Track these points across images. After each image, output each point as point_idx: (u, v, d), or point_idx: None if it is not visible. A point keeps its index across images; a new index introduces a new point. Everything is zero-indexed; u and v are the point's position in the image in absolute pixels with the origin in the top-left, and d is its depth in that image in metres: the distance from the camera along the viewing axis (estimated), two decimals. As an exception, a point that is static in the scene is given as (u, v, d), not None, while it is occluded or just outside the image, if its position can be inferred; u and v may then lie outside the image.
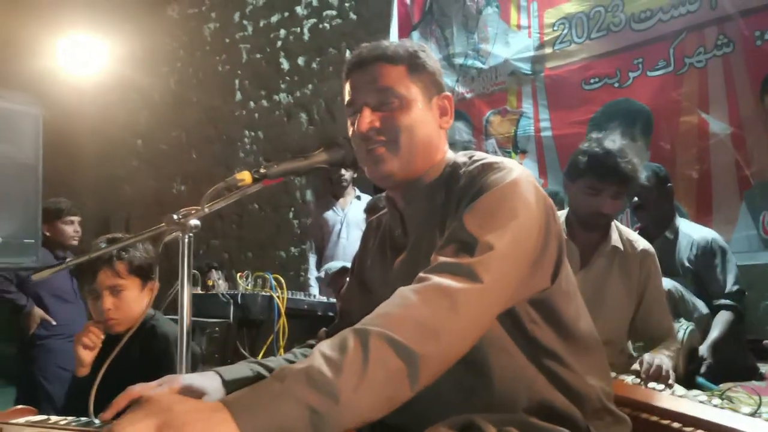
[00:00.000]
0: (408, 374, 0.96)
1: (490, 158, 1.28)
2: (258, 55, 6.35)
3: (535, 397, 1.23)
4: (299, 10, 5.96)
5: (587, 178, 2.24)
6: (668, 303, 2.45)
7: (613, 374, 1.71)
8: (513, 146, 4.30)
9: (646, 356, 2.07)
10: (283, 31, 6.12)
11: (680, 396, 1.78)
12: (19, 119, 3.04)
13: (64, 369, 3.99)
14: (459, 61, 4.60)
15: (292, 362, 1.44)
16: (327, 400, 0.90)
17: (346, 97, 1.37)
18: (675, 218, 3.07)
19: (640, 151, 2.32)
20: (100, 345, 1.93)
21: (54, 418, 1.28)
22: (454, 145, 1.44)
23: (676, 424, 1.52)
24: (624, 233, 2.37)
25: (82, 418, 1.27)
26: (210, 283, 3.82)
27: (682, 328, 2.53)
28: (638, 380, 1.97)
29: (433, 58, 1.40)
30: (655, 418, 1.55)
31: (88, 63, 6.84)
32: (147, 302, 1.99)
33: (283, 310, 3.41)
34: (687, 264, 2.96)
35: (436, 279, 1.07)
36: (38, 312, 4.15)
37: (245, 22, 6.49)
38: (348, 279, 1.65)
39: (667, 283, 2.52)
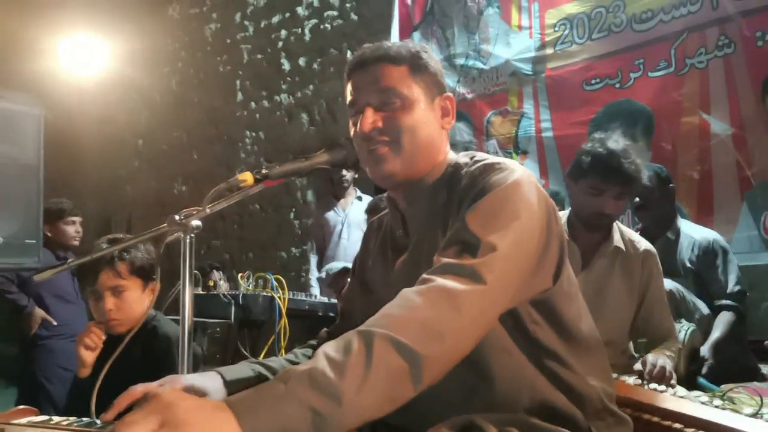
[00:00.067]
0: (411, 375, 0.97)
1: (492, 159, 1.28)
2: (259, 56, 6.36)
3: (536, 397, 1.23)
4: (300, 10, 5.96)
5: (590, 179, 2.24)
6: (669, 304, 2.45)
7: (615, 375, 1.71)
8: (514, 147, 4.30)
9: (649, 357, 2.07)
10: (284, 32, 6.12)
11: (682, 397, 1.78)
12: (20, 120, 3.04)
13: (65, 369, 4.00)
14: (460, 61, 4.60)
15: (293, 362, 1.44)
16: (330, 402, 0.90)
17: (348, 98, 1.37)
18: (676, 219, 3.06)
19: (641, 151, 2.31)
20: (101, 345, 1.93)
21: (56, 419, 1.28)
22: (455, 146, 1.44)
23: (677, 425, 1.53)
24: (626, 234, 2.37)
25: (84, 419, 1.27)
26: (211, 283, 3.82)
27: (684, 328, 2.53)
28: (640, 381, 1.97)
29: (435, 58, 1.40)
30: (656, 419, 1.56)
31: (89, 63, 6.85)
32: (149, 303, 1.99)
33: (284, 311, 3.41)
34: (688, 264, 2.96)
35: (440, 280, 1.07)
36: (39, 312, 4.16)
37: (246, 22, 6.49)
38: (349, 279, 1.65)
39: (669, 283, 2.52)
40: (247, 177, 1.29)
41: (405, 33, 4.91)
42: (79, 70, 6.86)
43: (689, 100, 3.51)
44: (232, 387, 1.28)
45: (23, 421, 1.27)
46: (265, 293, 3.50)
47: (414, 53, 1.35)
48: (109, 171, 7.71)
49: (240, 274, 3.63)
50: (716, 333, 2.79)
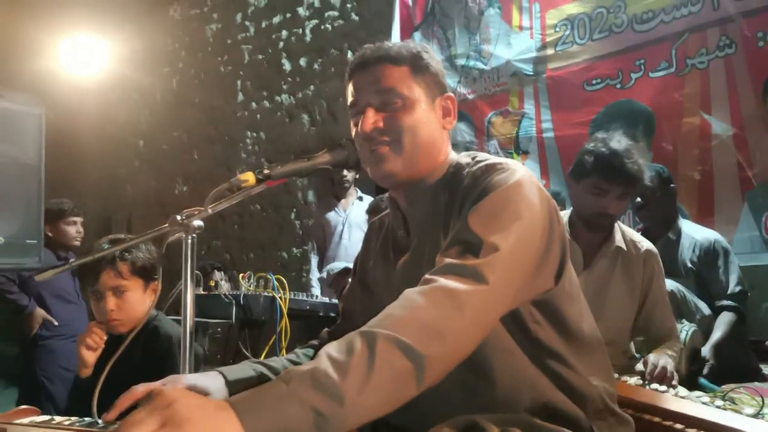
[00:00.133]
0: (414, 375, 0.97)
1: (494, 159, 1.28)
2: (260, 56, 6.36)
3: (538, 397, 1.23)
4: (301, 11, 5.97)
5: (593, 178, 2.23)
6: (670, 304, 2.45)
7: (616, 375, 1.72)
8: (515, 147, 4.30)
9: (651, 357, 2.06)
10: (284, 32, 6.12)
11: (683, 397, 1.79)
12: (21, 119, 3.04)
13: (66, 369, 4.00)
14: (461, 62, 4.60)
15: (294, 362, 1.45)
16: (332, 403, 0.90)
17: (349, 98, 1.37)
18: (677, 219, 3.07)
19: (643, 151, 2.31)
20: (103, 346, 1.93)
21: (58, 419, 1.28)
22: (456, 146, 1.44)
23: (678, 426, 1.52)
24: (627, 234, 2.37)
25: (86, 419, 1.27)
26: (212, 283, 3.82)
27: (685, 329, 2.53)
28: (642, 381, 1.97)
29: (436, 59, 1.40)
30: (657, 419, 1.55)
31: (89, 63, 6.85)
32: (150, 303, 1.99)
33: (285, 311, 3.41)
34: (689, 265, 2.96)
35: (442, 281, 1.07)
36: (40, 312, 4.16)
37: (247, 23, 6.49)
38: (350, 280, 1.65)
39: (670, 284, 2.52)
40: (249, 177, 1.29)
41: (406, 33, 4.90)
42: (79, 70, 6.87)
43: (690, 101, 3.51)
44: (234, 387, 1.28)
45: (25, 421, 1.27)
46: (266, 293, 3.50)
47: (415, 53, 1.35)
48: (110, 171, 7.72)
49: (241, 275, 3.63)
50: (717, 333, 2.79)
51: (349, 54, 5.49)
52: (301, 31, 5.97)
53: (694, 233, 3.01)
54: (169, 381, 1.23)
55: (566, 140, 3.97)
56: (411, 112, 1.32)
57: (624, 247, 2.32)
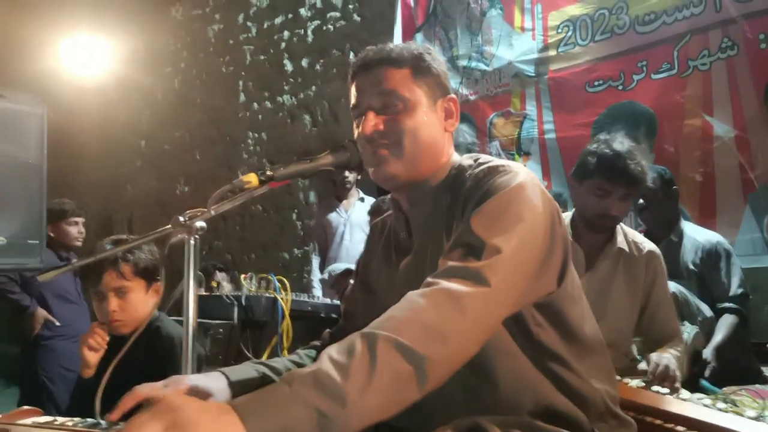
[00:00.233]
0: (415, 377, 0.97)
1: (496, 161, 1.28)
2: (261, 57, 6.36)
3: (539, 400, 1.23)
4: (303, 11, 5.97)
5: (596, 179, 2.23)
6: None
7: (617, 377, 1.72)
8: (516, 148, 4.30)
9: (654, 356, 2.06)
10: (286, 33, 6.13)
11: (684, 399, 1.78)
12: (23, 119, 3.05)
13: (68, 369, 4.00)
14: (463, 63, 4.60)
15: (297, 363, 1.45)
16: (334, 404, 0.90)
17: (352, 100, 1.38)
18: (680, 221, 3.06)
19: (645, 153, 2.31)
20: (105, 346, 1.93)
21: (60, 419, 1.28)
22: (457, 147, 1.44)
23: (680, 428, 1.53)
24: (629, 235, 2.37)
25: (89, 419, 1.28)
26: (214, 284, 3.82)
27: (686, 331, 2.53)
28: (643, 383, 1.97)
29: (438, 60, 1.40)
30: (659, 422, 1.56)
31: (91, 63, 6.86)
32: (153, 304, 2.00)
33: (287, 312, 3.41)
34: (691, 267, 2.95)
35: (444, 283, 1.07)
36: (42, 313, 4.16)
37: (249, 23, 6.50)
38: (352, 281, 1.65)
39: (672, 285, 2.52)
40: (252, 178, 1.29)
41: (408, 34, 4.91)
42: (81, 70, 6.87)
43: (692, 102, 3.51)
44: (237, 388, 1.28)
45: (28, 421, 1.27)
46: (268, 294, 3.50)
47: (416, 55, 1.35)
48: (111, 171, 7.72)
49: (243, 276, 3.63)
50: (719, 335, 2.79)
51: (351, 55, 5.50)
52: (302, 31, 5.97)
53: (696, 235, 3.01)
54: (172, 381, 1.23)
55: (568, 141, 3.97)
56: (412, 114, 1.32)
57: (626, 248, 2.32)
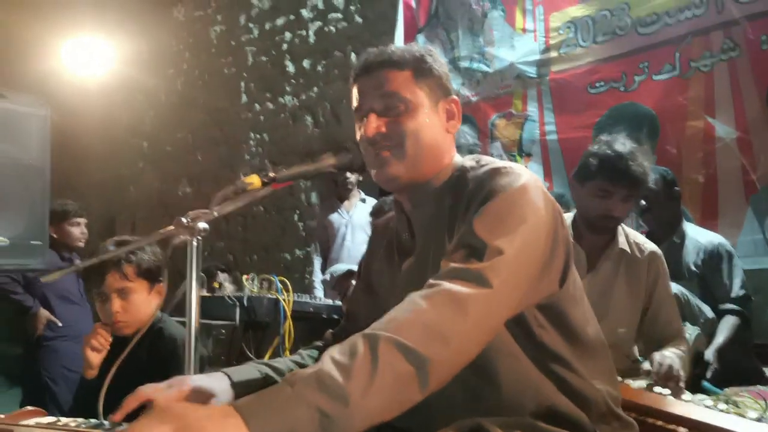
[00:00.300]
0: (417, 378, 0.97)
1: (498, 163, 1.28)
2: (263, 58, 6.37)
3: (542, 401, 1.24)
4: (305, 13, 5.97)
5: (598, 180, 2.23)
6: (674, 307, 2.45)
7: (619, 378, 1.72)
8: (518, 149, 4.30)
9: (657, 356, 2.06)
10: (288, 34, 6.13)
11: (686, 401, 1.78)
12: (26, 121, 3.05)
13: (70, 370, 4.02)
14: (464, 64, 4.61)
15: (299, 363, 1.45)
16: (337, 404, 0.90)
17: (354, 103, 1.38)
18: (682, 222, 3.06)
19: (647, 154, 2.31)
20: (108, 347, 1.94)
21: (64, 420, 1.28)
22: (459, 149, 1.44)
23: (682, 429, 1.53)
24: (631, 236, 2.37)
25: (92, 420, 1.28)
26: (216, 285, 3.83)
27: (688, 332, 2.52)
28: (645, 384, 1.96)
29: (440, 61, 1.40)
30: (661, 423, 1.56)
31: (93, 64, 6.87)
32: (155, 305, 2.00)
33: (289, 313, 3.41)
34: (693, 268, 2.95)
35: (446, 284, 1.07)
36: (44, 313, 4.17)
37: (251, 24, 6.50)
38: (354, 281, 1.65)
39: (673, 287, 2.52)
40: (255, 180, 1.29)
41: (409, 36, 4.91)
42: (83, 72, 6.89)
43: (694, 104, 3.51)
44: (239, 388, 1.29)
45: (31, 422, 1.28)
46: (270, 295, 3.50)
47: (418, 57, 1.36)
48: (114, 172, 7.73)
49: (245, 277, 3.64)
50: (720, 337, 2.79)
51: (353, 56, 5.50)
52: (304, 33, 5.98)
53: (698, 236, 3.01)
54: (175, 382, 1.24)
55: (569, 143, 3.98)
56: (414, 116, 1.32)
57: (628, 249, 2.32)
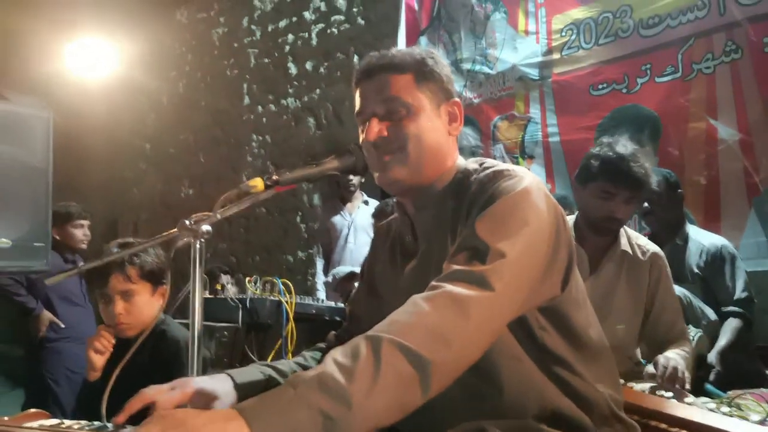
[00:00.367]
0: (419, 381, 0.97)
1: (501, 166, 1.28)
2: (266, 60, 6.37)
3: (544, 404, 1.24)
4: (307, 15, 5.98)
5: (600, 182, 2.23)
6: (677, 309, 2.44)
7: (621, 381, 1.72)
8: (520, 151, 4.30)
9: (661, 359, 2.05)
10: (291, 36, 6.14)
11: (689, 403, 1.78)
12: (29, 123, 3.06)
13: (73, 371, 4.03)
14: (467, 66, 4.61)
15: (302, 365, 1.46)
16: (339, 406, 0.91)
17: (356, 106, 1.38)
18: (685, 224, 3.06)
19: (649, 156, 2.32)
20: (111, 349, 1.94)
21: (67, 422, 1.28)
22: (461, 150, 1.44)
23: (684, 432, 1.53)
24: (633, 238, 2.37)
25: (95, 422, 1.28)
26: (219, 287, 3.83)
27: (691, 335, 2.52)
28: (648, 386, 1.96)
29: (442, 63, 1.40)
30: (664, 426, 1.55)
31: (96, 66, 6.89)
32: (159, 307, 2.00)
33: (291, 315, 3.41)
34: (696, 270, 2.95)
35: (448, 287, 1.07)
36: (47, 315, 4.18)
37: (253, 26, 6.51)
38: (357, 283, 1.66)
39: (676, 289, 2.52)
40: (258, 183, 1.29)
41: (411, 38, 4.91)
42: (86, 73, 6.90)
43: (696, 106, 3.50)
44: (243, 390, 1.29)
45: (35, 424, 1.28)
46: (272, 297, 3.50)
47: (419, 60, 1.36)
48: (116, 173, 7.74)
49: (247, 279, 3.64)
50: (723, 339, 2.79)
51: (355, 58, 5.51)
52: (307, 34, 5.99)
53: (701, 239, 3.01)
54: (178, 384, 1.24)
55: (572, 145, 3.97)
56: (415, 119, 1.33)
57: (630, 251, 2.32)
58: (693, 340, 2.50)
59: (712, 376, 2.63)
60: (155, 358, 1.98)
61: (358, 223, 4.59)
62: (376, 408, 0.94)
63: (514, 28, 4.36)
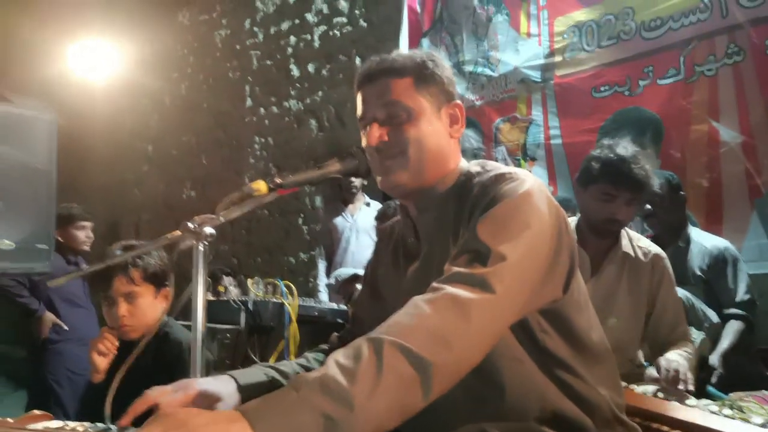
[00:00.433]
0: (421, 383, 0.98)
1: (504, 168, 1.29)
2: (268, 62, 6.38)
3: (546, 406, 1.24)
4: (309, 17, 5.99)
5: (601, 184, 2.24)
6: (679, 312, 2.44)
7: (623, 384, 1.72)
8: (522, 154, 4.30)
9: (662, 362, 2.05)
10: (293, 38, 6.15)
11: (691, 406, 1.78)
12: (33, 125, 3.07)
13: (75, 373, 4.03)
14: (469, 68, 4.61)
15: (305, 367, 1.46)
16: (342, 408, 0.91)
17: (358, 111, 1.39)
18: (687, 227, 3.06)
19: (650, 158, 2.32)
20: (115, 351, 1.95)
21: (72, 424, 1.29)
22: (463, 153, 1.44)
23: (687, 435, 1.52)
24: (634, 239, 2.37)
25: (99, 424, 1.28)
26: (221, 289, 3.84)
27: (693, 337, 2.52)
28: (650, 389, 1.96)
29: (443, 66, 1.40)
30: (665, 428, 1.55)
31: (98, 68, 6.91)
32: (162, 309, 2.01)
33: (294, 318, 3.42)
34: (698, 273, 2.95)
35: (450, 289, 1.08)
36: (50, 316, 4.19)
37: (256, 28, 6.52)
38: (359, 285, 1.66)
39: (678, 292, 2.52)
40: (261, 186, 1.29)
41: (414, 40, 4.92)
42: (89, 75, 6.92)
43: (698, 108, 3.50)
44: (246, 391, 1.29)
45: (39, 426, 1.28)
46: (275, 299, 3.51)
47: (419, 63, 1.36)
48: (118, 175, 7.76)
49: (250, 281, 3.65)
50: (725, 342, 2.79)
51: (358, 60, 5.51)
52: (309, 37, 6.00)
53: (703, 241, 3.01)
54: (182, 386, 1.24)
55: (574, 147, 3.97)
56: (416, 123, 1.33)
57: (631, 252, 2.32)
58: (695, 342, 2.50)
59: (714, 379, 2.63)
60: (158, 360, 1.98)
61: (359, 225, 4.60)
62: (378, 410, 0.94)
63: (516, 31, 4.36)
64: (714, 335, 2.79)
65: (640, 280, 2.31)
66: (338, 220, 4.68)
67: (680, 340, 2.27)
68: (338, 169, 1.38)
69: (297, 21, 6.11)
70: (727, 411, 1.70)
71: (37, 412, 1.38)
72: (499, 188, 1.22)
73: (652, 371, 2.11)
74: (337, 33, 5.78)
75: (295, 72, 6.12)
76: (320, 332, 3.47)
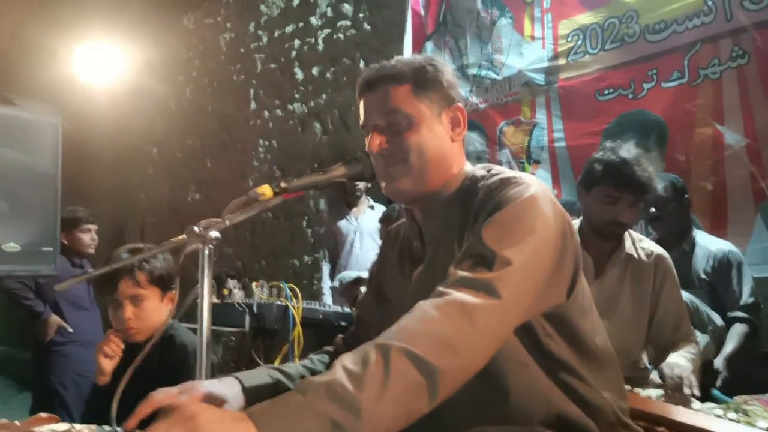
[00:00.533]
0: (427, 388, 0.98)
1: (509, 173, 1.29)
2: (272, 65, 6.40)
3: (551, 409, 1.24)
4: (314, 20, 6.00)
5: (603, 186, 2.24)
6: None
7: (627, 387, 1.72)
8: (526, 157, 4.30)
9: (665, 369, 2.04)
10: (297, 41, 6.16)
11: (696, 409, 1.78)
12: (38, 129, 3.08)
13: (80, 375, 4.04)
14: (473, 71, 4.61)
15: (310, 369, 1.46)
16: (348, 414, 0.91)
17: (361, 118, 1.40)
18: (691, 230, 3.06)
19: (653, 160, 2.32)
20: (120, 354, 1.95)
21: (78, 427, 1.29)
22: (467, 156, 1.45)
23: (691, 438, 1.52)
24: (636, 240, 2.37)
25: (106, 427, 1.29)
26: (226, 291, 3.84)
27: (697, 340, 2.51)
28: (653, 392, 1.96)
29: (443, 69, 1.40)
30: (670, 432, 1.55)
31: (104, 72, 6.94)
32: (167, 312, 2.02)
33: (298, 321, 3.42)
34: (703, 276, 2.94)
35: (455, 294, 1.08)
36: (55, 319, 4.20)
37: (260, 32, 6.54)
38: (363, 288, 1.66)
39: (683, 295, 2.52)
40: (266, 190, 1.30)
41: (418, 43, 4.92)
42: (94, 79, 6.95)
43: (703, 111, 3.49)
44: (250, 394, 1.29)
45: (45, 429, 1.29)
46: (279, 302, 3.51)
47: (418, 68, 1.36)
48: (123, 178, 7.78)
49: (254, 283, 3.65)
50: (730, 345, 2.78)
51: (362, 63, 5.52)
52: (313, 40, 6.01)
53: (708, 244, 3.00)
54: (187, 388, 1.24)
55: (578, 150, 3.97)
56: (416, 130, 1.33)
57: (634, 254, 2.32)
58: (700, 345, 2.49)
59: (718, 382, 2.62)
60: (163, 362, 1.99)
61: (364, 228, 4.60)
62: (385, 416, 0.94)
63: (520, 34, 4.36)
64: (718, 338, 2.79)
65: (643, 282, 2.30)
66: (342, 223, 4.69)
67: (684, 341, 2.27)
68: (343, 173, 1.38)
69: (301, 24, 6.12)
70: (731, 414, 1.70)
71: (43, 414, 1.39)
72: (504, 192, 1.22)
73: (654, 376, 2.10)
74: (341, 36, 5.79)
75: (299, 75, 6.13)
76: (324, 335, 3.47)
